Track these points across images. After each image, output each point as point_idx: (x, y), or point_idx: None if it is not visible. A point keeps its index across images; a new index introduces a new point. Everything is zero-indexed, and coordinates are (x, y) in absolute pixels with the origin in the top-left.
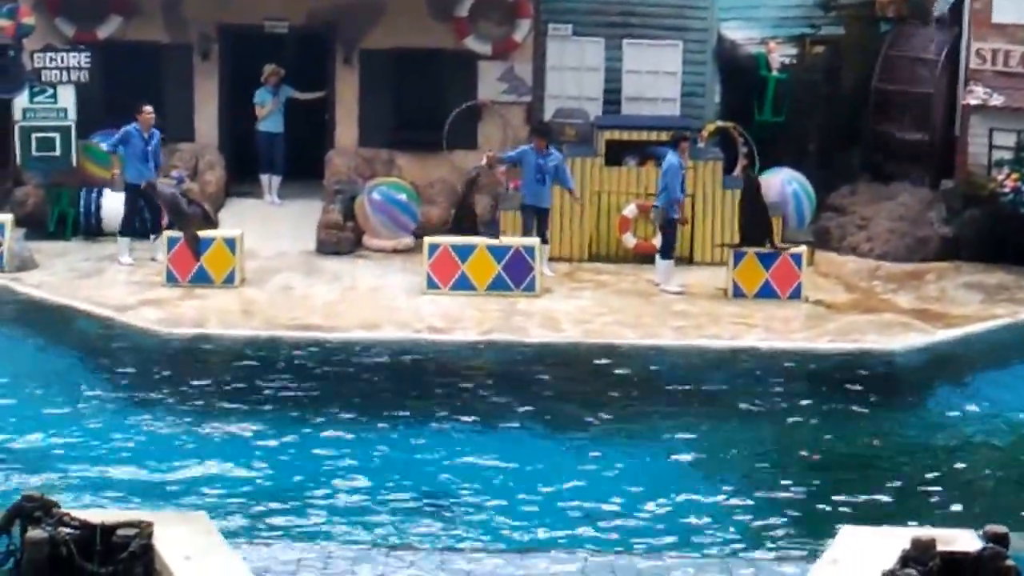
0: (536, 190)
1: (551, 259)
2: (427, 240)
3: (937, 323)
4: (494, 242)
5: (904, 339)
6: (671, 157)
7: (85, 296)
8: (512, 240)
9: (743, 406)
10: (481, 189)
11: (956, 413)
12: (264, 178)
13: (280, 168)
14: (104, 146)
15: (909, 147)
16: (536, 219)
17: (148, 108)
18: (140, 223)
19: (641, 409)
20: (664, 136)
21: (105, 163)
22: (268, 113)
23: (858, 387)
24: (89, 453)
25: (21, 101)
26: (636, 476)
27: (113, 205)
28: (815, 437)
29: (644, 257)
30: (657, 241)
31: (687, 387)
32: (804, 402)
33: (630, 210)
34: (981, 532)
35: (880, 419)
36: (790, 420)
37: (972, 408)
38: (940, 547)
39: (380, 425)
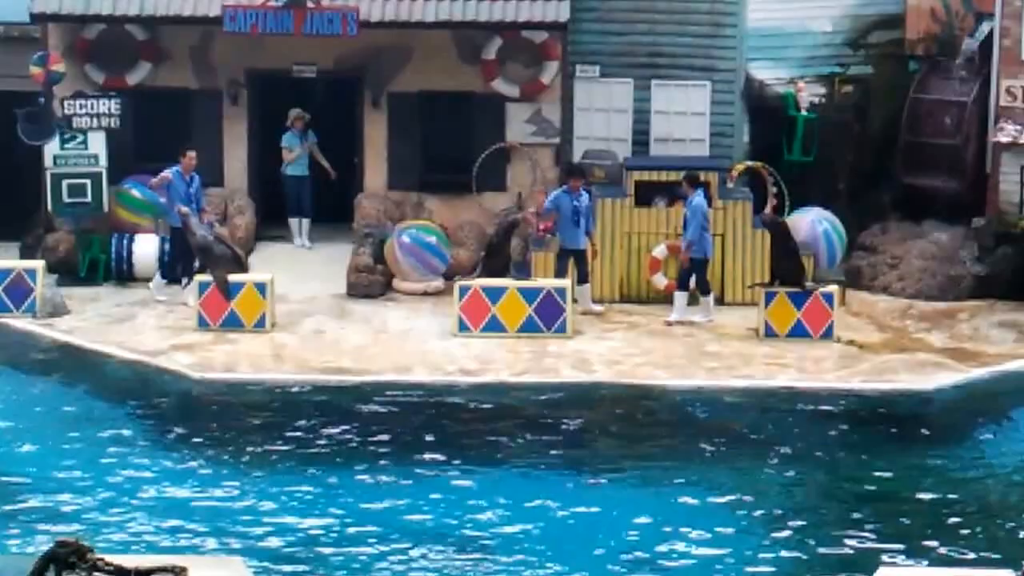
0: (572, 233)
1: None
2: (458, 282)
3: (971, 362)
4: (525, 284)
5: (938, 378)
6: (698, 197)
7: (117, 341)
8: (543, 282)
9: (778, 446)
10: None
11: (992, 451)
12: (293, 222)
13: (309, 211)
14: (135, 192)
15: (940, 197)
16: (574, 260)
17: (191, 152)
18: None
19: (676, 451)
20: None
21: (136, 209)
22: (296, 157)
23: (893, 427)
24: (122, 498)
25: (52, 148)
26: (673, 517)
27: (144, 250)
28: (851, 476)
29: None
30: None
31: (721, 428)
32: (839, 442)
33: (660, 251)
34: (1021, 572)
35: (915, 458)
36: (826, 460)
37: (1008, 446)
38: None
39: (414, 468)
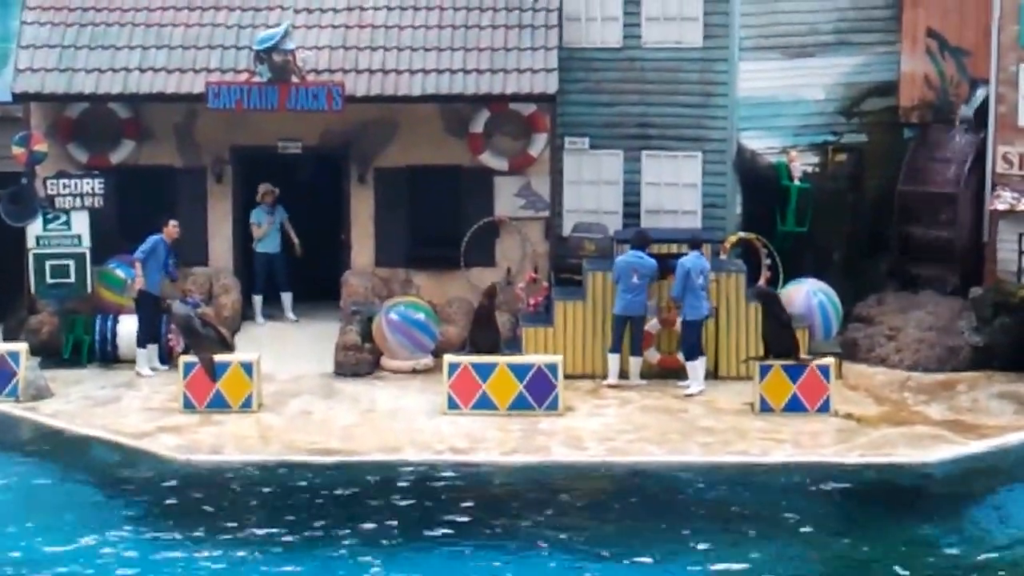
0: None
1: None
2: (447, 359)
3: (971, 434)
4: (516, 360)
5: (937, 451)
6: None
7: (102, 424)
8: (533, 358)
9: (775, 523)
10: (500, 307)
11: (993, 526)
12: (256, 299)
13: (286, 286)
14: (119, 272)
15: (935, 247)
16: (630, 327)
17: (174, 221)
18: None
19: (671, 529)
20: (684, 248)
21: (121, 289)
22: (264, 234)
23: (892, 502)
24: None
25: (35, 228)
26: None
27: (128, 331)
28: (850, 554)
29: (668, 372)
30: (680, 356)
31: (716, 505)
32: (837, 518)
33: (652, 325)
34: None
35: (915, 534)
36: (824, 537)
37: (1010, 521)
38: None
39: (404, 552)
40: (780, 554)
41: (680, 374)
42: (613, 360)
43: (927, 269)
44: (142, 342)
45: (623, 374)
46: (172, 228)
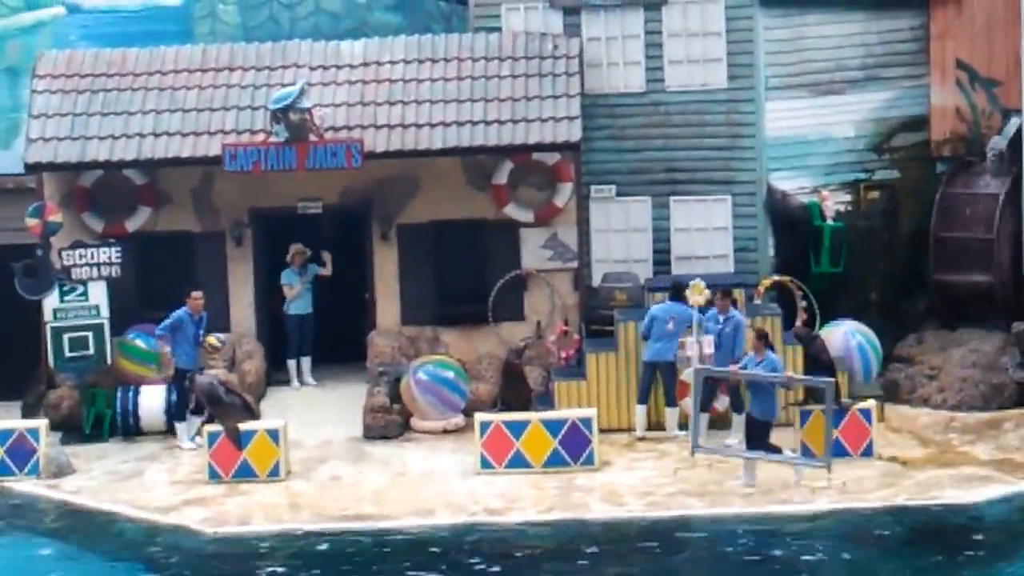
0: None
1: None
2: (478, 417)
3: (1020, 473)
4: (549, 416)
5: (986, 491)
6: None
7: (126, 499)
8: (566, 413)
9: (824, 573)
10: (531, 361)
11: None
12: (291, 364)
13: (309, 349)
14: (139, 342)
15: (975, 293)
16: (661, 376)
17: (197, 293)
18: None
19: None
20: (718, 295)
21: (141, 359)
22: (296, 295)
23: (942, 545)
24: None
25: (51, 301)
26: None
27: (151, 402)
28: None
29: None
30: (719, 404)
31: (762, 557)
32: (889, 565)
33: (688, 375)
34: None
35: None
36: None
37: None
38: None
39: None
40: None
41: (718, 424)
42: (640, 412)
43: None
44: (181, 416)
45: (658, 426)
46: (195, 300)
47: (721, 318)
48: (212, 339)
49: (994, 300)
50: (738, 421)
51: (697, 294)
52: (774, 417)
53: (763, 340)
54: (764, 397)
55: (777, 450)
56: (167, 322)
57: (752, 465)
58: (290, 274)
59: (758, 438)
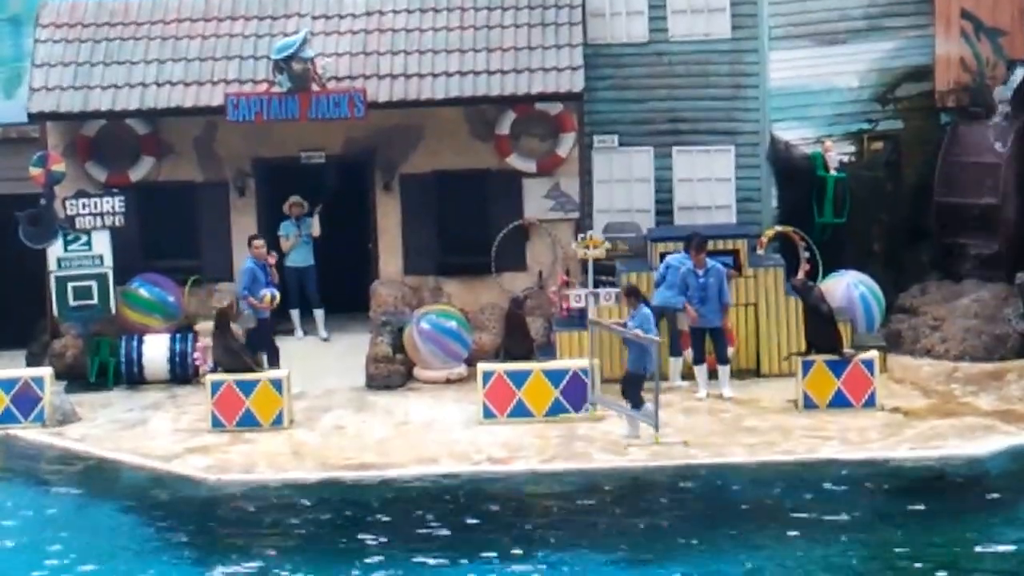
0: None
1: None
2: (481, 367)
3: (1022, 424)
4: (550, 365)
5: (988, 443)
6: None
7: (130, 447)
8: (567, 362)
9: (826, 522)
10: (532, 311)
11: None
12: (294, 313)
13: (317, 302)
14: (143, 292)
15: (978, 216)
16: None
17: (259, 241)
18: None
19: (722, 533)
20: (720, 245)
21: (145, 308)
22: (292, 246)
23: (944, 496)
24: None
25: (55, 250)
26: None
27: (155, 352)
28: (906, 550)
29: (708, 373)
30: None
31: (765, 507)
32: (888, 514)
33: (682, 320)
34: None
35: (970, 527)
36: (877, 534)
37: None
38: None
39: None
40: (832, 552)
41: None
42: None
43: (969, 239)
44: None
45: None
46: (258, 248)
47: (700, 272)
48: (269, 295)
49: (995, 224)
50: (723, 372)
51: (594, 247)
52: (646, 371)
53: (634, 295)
54: (636, 351)
55: (640, 405)
56: (244, 280)
57: (633, 420)
58: (287, 225)
59: (632, 389)
